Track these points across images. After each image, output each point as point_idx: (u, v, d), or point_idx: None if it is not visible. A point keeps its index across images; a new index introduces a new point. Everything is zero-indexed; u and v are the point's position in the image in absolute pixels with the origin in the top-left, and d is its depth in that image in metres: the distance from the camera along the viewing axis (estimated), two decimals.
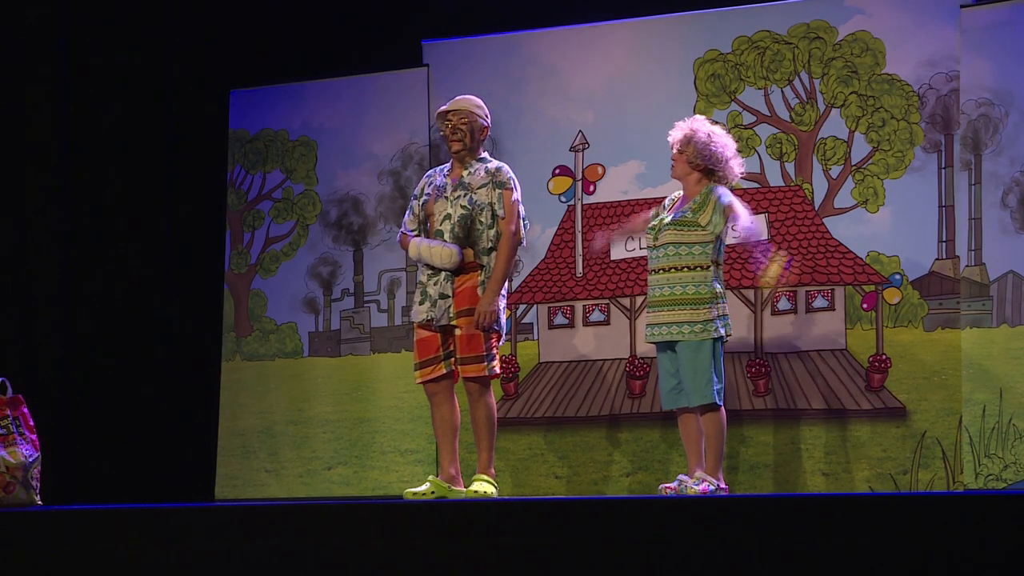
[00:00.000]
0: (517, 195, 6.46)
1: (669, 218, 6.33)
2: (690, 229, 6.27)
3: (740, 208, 6.30)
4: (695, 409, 6.27)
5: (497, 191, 6.42)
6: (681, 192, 6.49)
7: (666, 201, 6.53)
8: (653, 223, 6.43)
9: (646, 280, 6.38)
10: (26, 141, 8.26)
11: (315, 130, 8.48)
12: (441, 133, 6.53)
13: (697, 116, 6.57)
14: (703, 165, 6.36)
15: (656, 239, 6.34)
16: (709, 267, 6.27)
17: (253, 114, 8.63)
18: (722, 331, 6.26)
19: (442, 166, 6.66)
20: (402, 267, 8.13)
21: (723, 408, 6.28)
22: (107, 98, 8.53)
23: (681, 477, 6.27)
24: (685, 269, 6.27)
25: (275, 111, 8.58)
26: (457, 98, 6.54)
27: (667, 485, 6.27)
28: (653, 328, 6.34)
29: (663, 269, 6.30)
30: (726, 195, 6.32)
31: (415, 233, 6.53)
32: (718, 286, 6.30)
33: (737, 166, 6.43)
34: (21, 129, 8.26)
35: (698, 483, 6.15)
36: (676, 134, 6.44)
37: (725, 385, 6.41)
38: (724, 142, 6.42)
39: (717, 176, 6.38)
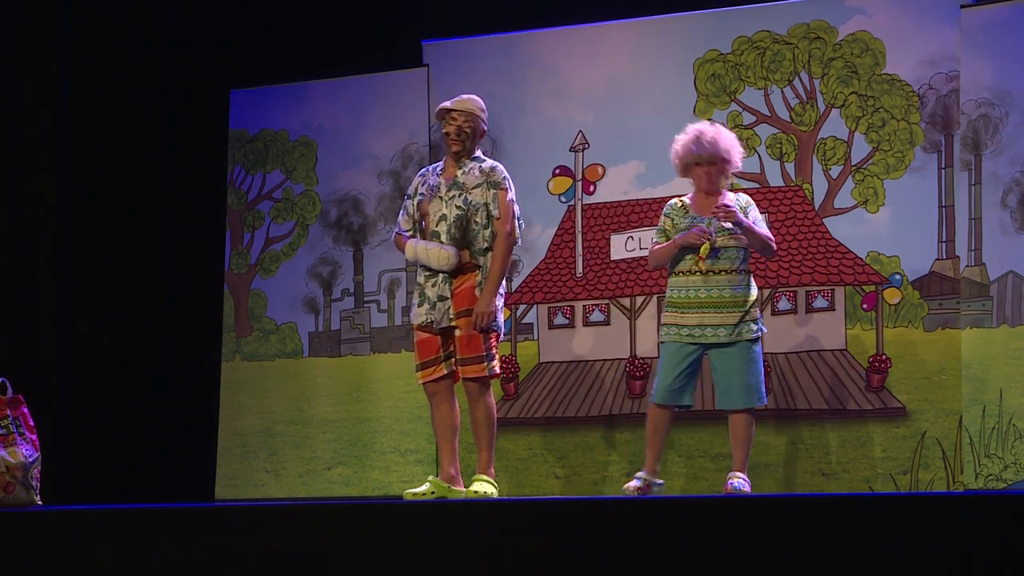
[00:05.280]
0: (512, 194, 6.44)
1: (728, 226, 6.21)
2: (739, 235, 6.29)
3: None
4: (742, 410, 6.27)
5: (492, 191, 6.40)
6: (689, 198, 6.39)
7: (676, 205, 6.40)
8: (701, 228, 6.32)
9: (645, 280, 6.29)
10: (26, 141, 8.26)
11: (315, 130, 8.48)
12: (443, 131, 6.50)
13: (701, 123, 6.46)
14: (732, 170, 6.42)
15: (715, 242, 6.24)
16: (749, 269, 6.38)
17: (253, 114, 8.63)
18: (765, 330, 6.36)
19: (435, 164, 6.62)
20: (402, 267, 8.12)
21: None
22: (107, 98, 8.53)
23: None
24: (744, 272, 6.28)
25: (275, 111, 8.58)
26: (462, 97, 6.48)
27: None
28: (730, 329, 6.22)
29: (725, 271, 6.24)
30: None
31: (410, 233, 6.51)
32: None
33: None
34: (21, 129, 8.25)
35: (744, 483, 6.20)
36: (722, 143, 6.28)
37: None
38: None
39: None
